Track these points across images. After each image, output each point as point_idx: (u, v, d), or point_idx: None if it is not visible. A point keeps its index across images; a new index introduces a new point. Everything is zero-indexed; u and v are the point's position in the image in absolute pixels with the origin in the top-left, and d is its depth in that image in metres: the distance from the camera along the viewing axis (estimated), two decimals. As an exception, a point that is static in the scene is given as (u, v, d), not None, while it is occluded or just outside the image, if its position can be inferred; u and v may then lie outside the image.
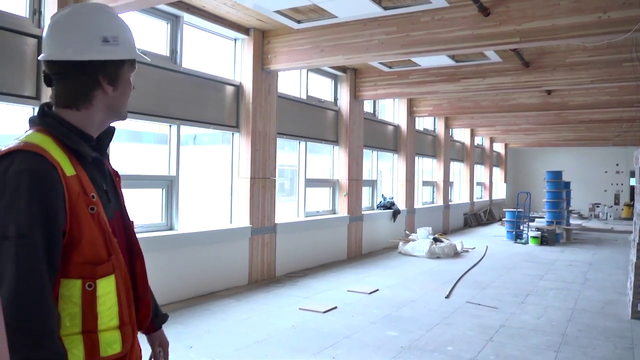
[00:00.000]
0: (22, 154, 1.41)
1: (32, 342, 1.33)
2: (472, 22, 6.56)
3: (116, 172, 1.82)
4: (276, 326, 5.81)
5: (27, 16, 5.41)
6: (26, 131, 1.52)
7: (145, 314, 1.82)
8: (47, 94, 5.32)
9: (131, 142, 7.71)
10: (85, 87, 1.55)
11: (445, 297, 7.44)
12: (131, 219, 1.83)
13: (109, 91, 1.58)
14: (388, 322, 6.10)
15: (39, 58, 1.59)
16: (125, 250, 1.73)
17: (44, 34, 1.59)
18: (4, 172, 1.39)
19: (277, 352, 4.97)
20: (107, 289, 1.53)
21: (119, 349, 1.55)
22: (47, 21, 5.35)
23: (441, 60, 9.45)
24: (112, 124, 1.70)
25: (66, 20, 1.54)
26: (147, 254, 5.73)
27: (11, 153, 1.41)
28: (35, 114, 1.60)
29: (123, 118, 1.68)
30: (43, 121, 1.53)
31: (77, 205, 1.46)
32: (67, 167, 1.47)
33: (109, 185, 1.70)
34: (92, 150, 1.58)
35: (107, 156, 1.75)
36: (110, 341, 1.53)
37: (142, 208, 7.10)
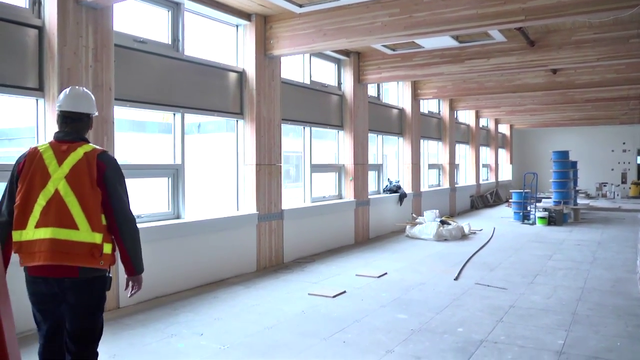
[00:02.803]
0: (109, 153, 3.14)
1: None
2: (476, 1, 6.46)
3: None
4: (286, 312, 5.82)
5: (28, 7, 5.37)
6: (81, 142, 3.04)
7: None
8: (50, 85, 5.31)
9: (135, 132, 7.71)
10: (89, 125, 3.21)
11: (454, 279, 7.43)
12: None
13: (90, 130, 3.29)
14: (397, 305, 6.10)
15: (79, 110, 3.12)
16: None
17: (77, 98, 3.14)
18: (114, 158, 3.14)
19: (287, 338, 4.98)
20: None
21: None
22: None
23: (445, 41, 9.34)
24: None
25: (88, 94, 3.22)
26: (154, 243, 5.79)
27: (105, 151, 3.10)
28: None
29: None
30: (86, 139, 3.12)
31: None
32: None
33: None
34: None
35: None
36: None
37: (148, 197, 7.10)
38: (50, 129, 5.32)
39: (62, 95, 3.14)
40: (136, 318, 5.54)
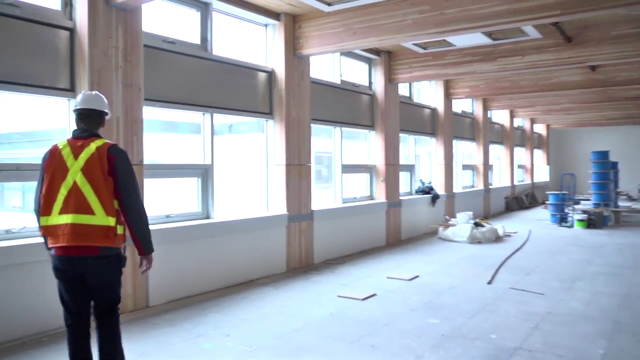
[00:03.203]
0: (118, 146, 3.56)
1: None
2: (509, -4, 6.27)
3: None
4: (314, 314, 5.74)
5: (60, 9, 5.43)
6: (94, 138, 3.49)
7: None
8: (80, 85, 5.36)
9: (168, 133, 7.76)
10: (100, 122, 3.66)
11: (488, 283, 7.21)
12: None
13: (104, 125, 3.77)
14: (428, 309, 5.94)
15: (90, 107, 3.59)
16: None
17: (89, 97, 3.63)
18: (123, 150, 3.55)
19: (314, 340, 4.89)
20: None
21: None
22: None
23: (477, 38, 9.11)
24: None
25: (99, 95, 3.70)
26: (183, 242, 6.03)
27: (117, 144, 3.55)
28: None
29: None
30: (99, 135, 3.56)
31: None
32: None
33: None
34: None
35: None
36: None
37: (178, 197, 7.12)
38: (80, 129, 5.37)
39: (77, 98, 3.67)
40: (164, 317, 5.54)
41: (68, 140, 3.49)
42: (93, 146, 3.39)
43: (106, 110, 3.68)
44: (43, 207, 3.36)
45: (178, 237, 6.31)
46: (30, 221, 5.11)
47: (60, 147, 3.43)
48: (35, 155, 5.56)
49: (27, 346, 4.68)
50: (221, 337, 4.96)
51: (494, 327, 5.24)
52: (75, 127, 3.60)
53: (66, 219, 3.30)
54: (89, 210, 3.30)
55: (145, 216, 3.54)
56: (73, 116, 5.25)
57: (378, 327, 5.27)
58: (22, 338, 4.81)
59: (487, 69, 9.87)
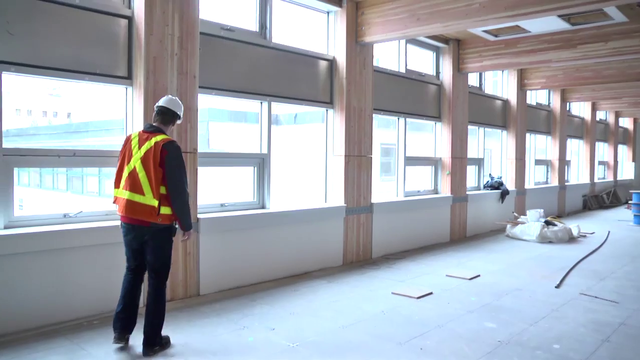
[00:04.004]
0: (174, 142, 4.29)
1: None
2: (589, -25, 5.73)
3: None
4: (365, 310, 5.54)
5: (119, -3, 5.49)
6: (157, 133, 4.28)
7: None
8: (137, 73, 5.40)
9: (236, 122, 7.79)
10: (173, 120, 4.51)
11: (555, 287, 6.72)
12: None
13: (175, 125, 4.73)
14: (487, 311, 5.59)
15: (166, 105, 4.45)
16: None
17: (168, 99, 4.49)
18: (175, 145, 4.25)
19: (361, 339, 4.69)
20: None
21: None
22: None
23: (554, 23, 8.46)
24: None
25: (177, 100, 4.54)
26: (239, 232, 6.19)
27: (172, 141, 4.27)
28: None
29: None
30: (163, 131, 4.36)
31: None
32: None
33: None
34: None
35: None
36: None
37: (234, 186, 7.11)
38: (137, 115, 5.44)
39: (161, 99, 4.56)
40: (213, 307, 5.52)
41: (139, 132, 4.35)
42: (153, 140, 4.19)
43: (179, 113, 4.50)
44: (115, 182, 4.31)
45: (232, 226, 6.29)
46: (86, 206, 5.23)
47: (133, 136, 4.32)
48: (89, 143, 5.72)
49: (81, 328, 4.79)
50: (266, 330, 4.87)
51: (558, 337, 4.82)
52: (150, 121, 4.54)
53: (124, 194, 4.20)
54: (140, 191, 4.14)
55: (186, 200, 4.28)
56: (131, 103, 5.51)
57: (430, 328, 5.00)
58: (76, 320, 4.93)
59: (565, 57, 9.18)
